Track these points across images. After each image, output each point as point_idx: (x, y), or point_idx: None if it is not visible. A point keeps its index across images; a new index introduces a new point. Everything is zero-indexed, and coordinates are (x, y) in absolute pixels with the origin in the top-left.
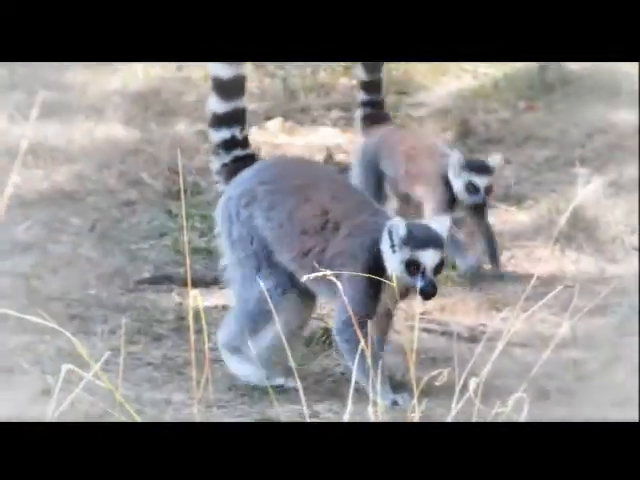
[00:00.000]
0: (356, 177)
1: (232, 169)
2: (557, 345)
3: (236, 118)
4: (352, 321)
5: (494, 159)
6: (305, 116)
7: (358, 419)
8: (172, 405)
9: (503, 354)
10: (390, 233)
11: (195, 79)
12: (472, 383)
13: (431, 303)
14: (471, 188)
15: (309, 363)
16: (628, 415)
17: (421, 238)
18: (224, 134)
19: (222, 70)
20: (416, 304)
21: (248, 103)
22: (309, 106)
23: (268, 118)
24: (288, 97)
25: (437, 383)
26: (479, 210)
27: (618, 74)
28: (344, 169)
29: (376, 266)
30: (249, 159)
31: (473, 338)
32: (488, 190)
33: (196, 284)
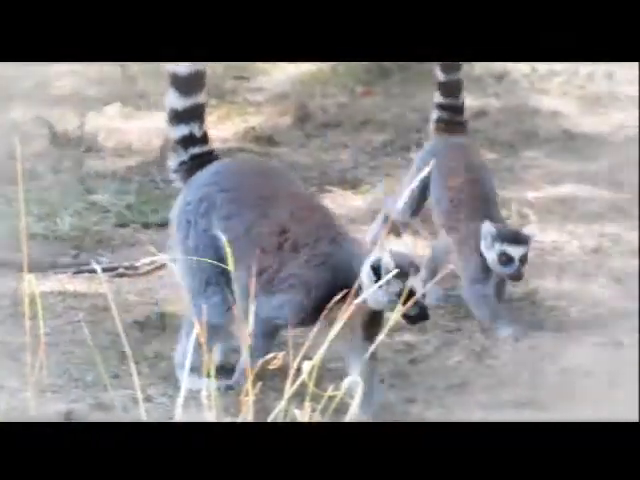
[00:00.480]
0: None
1: (190, 167)
2: (391, 329)
3: (195, 114)
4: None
5: (530, 229)
6: (143, 101)
7: (192, 404)
8: (5, 390)
9: (337, 338)
10: (375, 268)
11: (32, 63)
12: (305, 366)
13: None
14: (504, 259)
15: (143, 347)
16: (459, 399)
17: (408, 265)
18: (183, 131)
19: (180, 65)
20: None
21: (86, 88)
22: (147, 91)
23: (106, 103)
24: (127, 82)
25: (271, 367)
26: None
27: None
28: None
29: (327, 296)
30: (208, 156)
31: None
32: (523, 260)
33: (32, 269)
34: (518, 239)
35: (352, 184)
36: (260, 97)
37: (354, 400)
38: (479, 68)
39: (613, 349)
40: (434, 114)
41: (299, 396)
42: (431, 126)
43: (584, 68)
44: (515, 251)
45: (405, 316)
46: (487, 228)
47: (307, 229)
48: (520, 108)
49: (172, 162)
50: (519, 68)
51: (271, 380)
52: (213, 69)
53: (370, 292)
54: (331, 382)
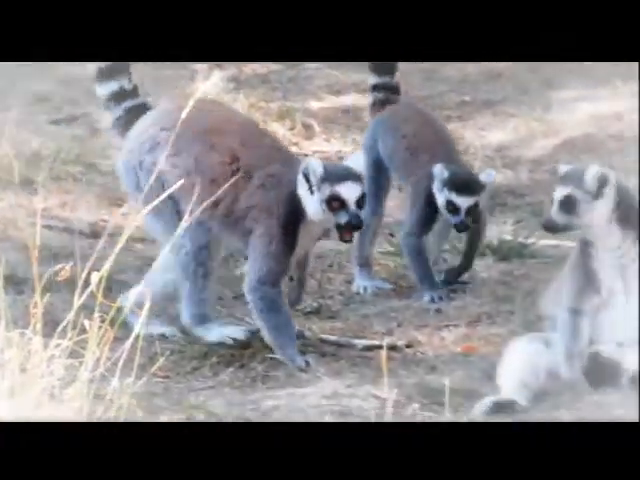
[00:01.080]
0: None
1: (126, 121)
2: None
3: (121, 69)
4: (266, 279)
5: (488, 175)
6: None
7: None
8: None
9: (124, 249)
10: (306, 175)
11: None
12: (94, 277)
13: (52, 200)
14: (450, 207)
15: None
16: None
17: (339, 173)
18: (112, 86)
19: None
20: (37, 200)
21: None
22: None
23: None
24: None
25: (59, 278)
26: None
27: None
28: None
29: (293, 218)
30: (142, 108)
31: (94, 234)
32: (471, 211)
33: None
34: (468, 188)
35: None
36: None
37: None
38: None
39: (399, 258)
40: (370, 97)
41: (87, 308)
42: (369, 109)
43: None
44: (462, 201)
45: (337, 227)
46: (438, 170)
47: (259, 153)
48: None
49: (107, 120)
50: None
51: (59, 291)
52: None
53: (307, 202)
54: (119, 294)
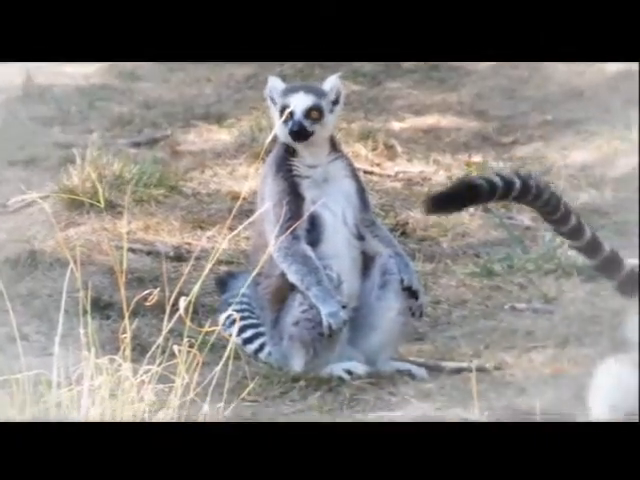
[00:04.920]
0: None
1: None
2: None
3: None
4: (281, 230)
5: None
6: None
7: (70, 341)
8: None
9: (210, 272)
10: (270, 91)
11: None
12: (182, 302)
13: (135, 223)
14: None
15: (16, 286)
16: None
17: (295, 86)
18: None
19: None
20: (121, 224)
21: None
22: None
23: None
24: None
25: (147, 303)
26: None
27: None
28: (44, 91)
29: (279, 162)
30: None
31: (179, 257)
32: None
33: None
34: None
35: (217, 118)
36: None
37: (232, 335)
38: None
39: (485, 279)
40: None
41: (175, 332)
42: None
43: None
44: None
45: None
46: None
47: None
48: None
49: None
50: None
51: (145, 316)
52: None
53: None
54: (206, 317)
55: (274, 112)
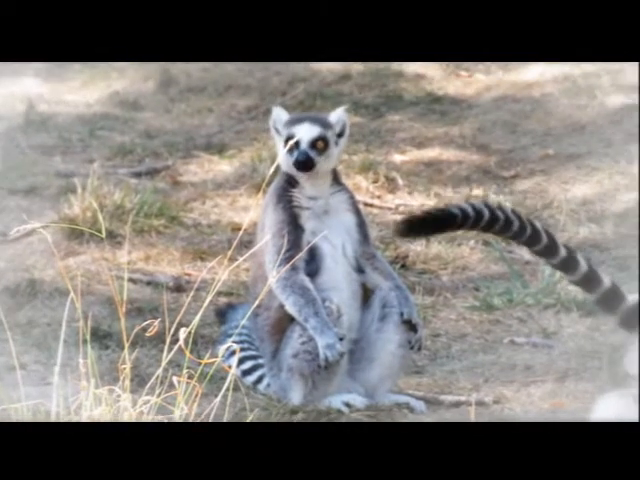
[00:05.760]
0: None
1: None
2: None
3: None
4: (281, 261)
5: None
6: (6, 67)
7: (69, 370)
8: None
9: (209, 303)
10: (274, 124)
11: None
12: (181, 333)
13: (136, 253)
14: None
15: (15, 314)
16: None
17: (299, 117)
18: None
19: None
20: (121, 254)
21: None
22: None
23: None
24: None
25: (148, 334)
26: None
27: None
28: (45, 120)
29: (281, 192)
30: None
31: (179, 288)
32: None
33: None
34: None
35: (218, 149)
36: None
37: (232, 367)
38: None
39: (485, 312)
40: None
41: (174, 362)
42: None
43: None
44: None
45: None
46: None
47: None
48: (383, 71)
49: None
50: None
51: (144, 346)
52: None
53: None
54: (205, 348)
55: (278, 142)
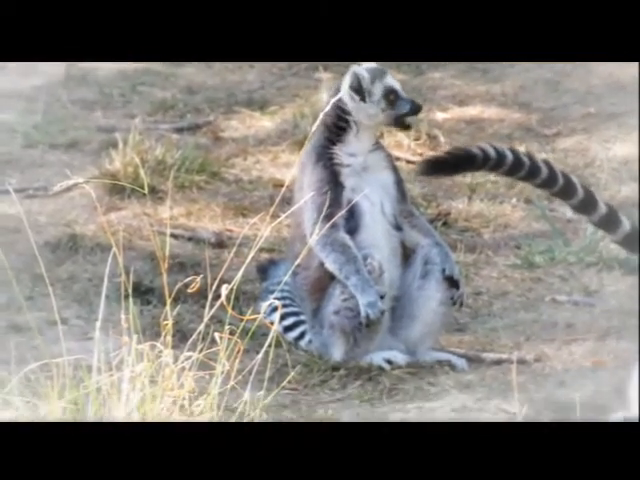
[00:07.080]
0: None
1: None
2: None
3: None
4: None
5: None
6: None
7: (110, 326)
8: None
9: (251, 260)
10: (354, 85)
11: None
12: (223, 289)
13: (177, 209)
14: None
15: (56, 269)
16: None
17: (377, 70)
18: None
19: None
20: (163, 209)
21: None
22: None
23: None
24: None
25: (190, 290)
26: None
27: None
28: (86, 75)
29: (322, 148)
30: None
31: (220, 244)
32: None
33: None
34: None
35: (260, 105)
36: None
37: (273, 323)
38: None
39: (527, 270)
40: None
41: (215, 319)
42: None
43: None
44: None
45: (397, 119)
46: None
47: None
48: None
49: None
50: None
51: (186, 302)
52: None
53: (359, 113)
54: (247, 304)
55: (356, 102)
